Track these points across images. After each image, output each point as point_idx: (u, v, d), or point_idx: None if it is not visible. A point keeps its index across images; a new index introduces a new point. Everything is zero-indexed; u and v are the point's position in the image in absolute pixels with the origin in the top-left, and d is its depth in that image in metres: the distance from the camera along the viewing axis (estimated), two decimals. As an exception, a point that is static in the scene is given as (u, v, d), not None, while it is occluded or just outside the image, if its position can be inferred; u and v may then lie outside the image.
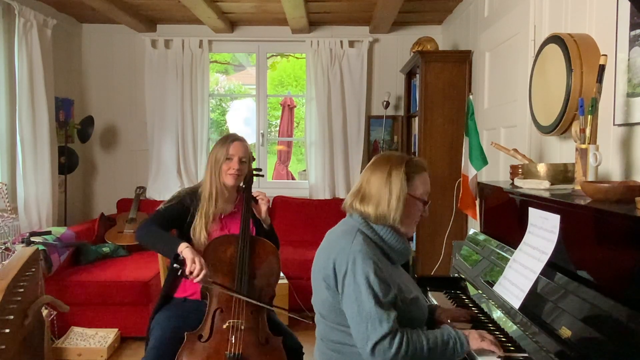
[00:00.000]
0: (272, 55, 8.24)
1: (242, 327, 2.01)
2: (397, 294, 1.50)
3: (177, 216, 2.24)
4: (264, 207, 2.29)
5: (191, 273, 1.96)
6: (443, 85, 3.76)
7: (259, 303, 2.08)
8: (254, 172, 2.44)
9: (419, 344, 1.44)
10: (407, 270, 3.90)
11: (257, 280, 2.15)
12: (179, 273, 1.97)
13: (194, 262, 1.96)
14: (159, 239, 2.11)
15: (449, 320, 1.74)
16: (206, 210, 2.22)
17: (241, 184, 2.37)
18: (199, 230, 2.19)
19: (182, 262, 1.99)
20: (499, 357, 1.46)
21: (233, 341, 1.97)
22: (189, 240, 2.18)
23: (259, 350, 1.99)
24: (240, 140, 2.30)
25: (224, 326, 2.01)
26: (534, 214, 1.67)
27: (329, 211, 4.48)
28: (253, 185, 2.39)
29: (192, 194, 2.28)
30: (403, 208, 1.55)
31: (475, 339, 1.50)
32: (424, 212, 1.63)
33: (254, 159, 2.46)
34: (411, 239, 3.80)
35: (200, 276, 1.96)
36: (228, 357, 1.94)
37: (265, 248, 2.22)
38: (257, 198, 2.31)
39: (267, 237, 2.31)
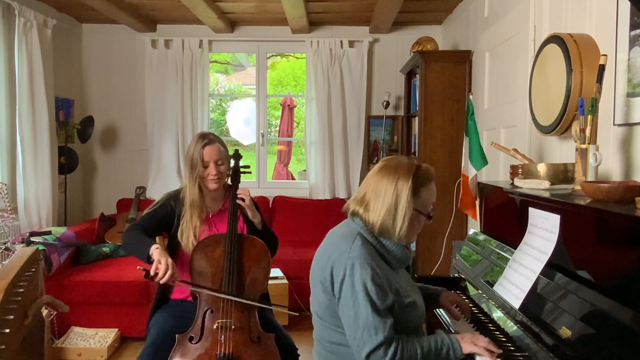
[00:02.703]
0: (272, 55, 8.25)
1: (232, 327, 2.00)
2: (394, 299, 1.49)
3: (162, 220, 2.24)
4: (247, 204, 2.22)
5: (156, 274, 1.93)
6: (443, 85, 3.76)
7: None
8: (241, 169, 2.42)
9: (412, 351, 1.44)
10: (407, 270, 3.89)
11: (246, 279, 2.14)
12: (145, 275, 1.95)
13: (159, 262, 1.93)
14: (134, 243, 2.10)
15: (453, 307, 1.76)
16: (191, 217, 2.20)
17: (227, 181, 2.35)
18: (186, 236, 2.18)
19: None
20: (497, 357, 1.46)
21: (222, 341, 1.97)
22: (179, 244, 2.19)
23: (250, 349, 1.99)
24: (212, 143, 2.21)
25: (214, 326, 2.01)
26: (534, 214, 1.66)
27: (329, 211, 4.47)
28: (246, 183, 2.37)
29: (175, 197, 2.27)
30: (408, 224, 1.52)
31: (468, 343, 1.48)
32: (427, 222, 1.61)
33: (240, 156, 2.44)
34: (411, 239, 3.79)
35: (166, 277, 1.92)
36: (218, 357, 1.94)
37: (253, 245, 2.20)
38: (238, 200, 2.23)
39: (262, 236, 2.28)
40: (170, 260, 1.96)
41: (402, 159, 1.61)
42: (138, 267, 2.02)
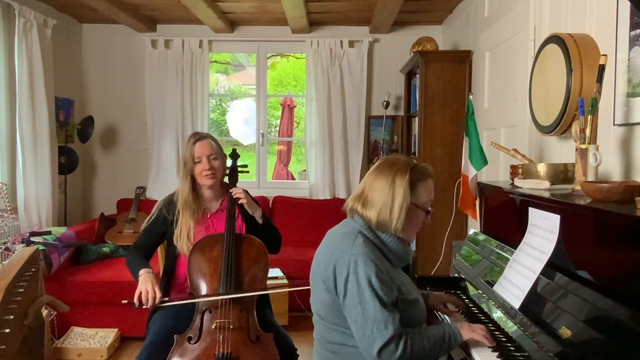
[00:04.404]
0: (272, 55, 8.25)
1: (230, 327, 2.00)
2: (398, 295, 1.50)
3: (159, 232, 2.26)
4: (244, 202, 2.23)
5: (141, 302, 1.98)
6: (443, 85, 3.76)
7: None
8: (239, 169, 2.42)
9: (420, 343, 1.46)
10: (407, 270, 3.90)
11: (244, 278, 2.14)
12: (131, 306, 2.00)
13: (140, 291, 1.99)
14: (131, 267, 2.15)
15: (442, 306, 1.80)
16: (184, 219, 2.20)
17: (225, 180, 2.35)
18: (181, 239, 2.19)
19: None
20: (493, 350, 1.48)
21: (221, 341, 1.96)
22: (176, 248, 2.21)
23: (249, 349, 1.99)
24: (203, 138, 2.23)
25: (212, 326, 2.01)
26: (534, 214, 1.66)
27: (329, 211, 4.47)
28: (245, 183, 2.37)
29: (169, 203, 2.27)
30: (405, 217, 1.53)
31: (466, 330, 1.54)
32: (426, 219, 1.62)
33: (238, 156, 2.43)
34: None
35: (150, 303, 1.98)
36: (217, 357, 1.94)
37: (251, 245, 2.20)
38: (234, 197, 2.24)
39: (265, 231, 2.29)
40: (150, 285, 2.00)
41: (399, 157, 1.63)
42: (123, 301, 2.05)
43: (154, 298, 1.98)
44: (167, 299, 2.09)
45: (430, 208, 1.61)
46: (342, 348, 1.54)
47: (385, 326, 1.41)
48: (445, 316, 1.82)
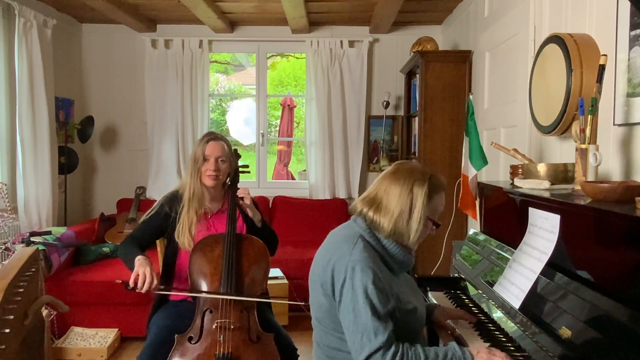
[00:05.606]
0: (272, 55, 8.25)
1: (231, 327, 2.00)
2: (395, 305, 1.45)
3: (158, 226, 2.26)
4: (247, 204, 2.24)
5: (135, 285, 1.95)
6: (443, 85, 3.76)
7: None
8: (240, 169, 2.42)
9: (415, 359, 1.38)
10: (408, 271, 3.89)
11: (245, 278, 2.14)
12: (125, 287, 1.96)
13: (137, 273, 1.95)
14: (125, 257, 2.13)
15: (448, 321, 1.72)
16: (188, 213, 2.20)
17: (227, 181, 2.36)
18: (182, 235, 2.19)
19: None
20: None
21: (221, 341, 1.96)
22: (177, 244, 2.20)
23: (249, 349, 1.99)
24: (217, 139, 2.25)
25: (213, 326, 2.01)
26: (534, 214, 1.66)
27: (329, 211, 4.48)
28: (243, 182, 2.38)
29: (172, 198, 2.27)
30: (422, 230, 1.50)
31: (484, 359, 1.39)
32: (432, 231, 1.57)
33: (239, 156, 2.43)
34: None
35: (145, 287, 1.94)
36: (217, 357, 1.94)
37: (252, 245, 2.21)
38: (239, 197, 2.25)
39: (262, 234, 2.29)
40: (148, 269, 1.97)
41: (414, 163, 1.59)
42: (117, 280, 2.03)
43: (150, 283, 1.94)
44: (162, 287, 2.07)
45: (440, 222, 1.58)
46: (338, 354, 1.52)
47: (375, 335, 1.37)
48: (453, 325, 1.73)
